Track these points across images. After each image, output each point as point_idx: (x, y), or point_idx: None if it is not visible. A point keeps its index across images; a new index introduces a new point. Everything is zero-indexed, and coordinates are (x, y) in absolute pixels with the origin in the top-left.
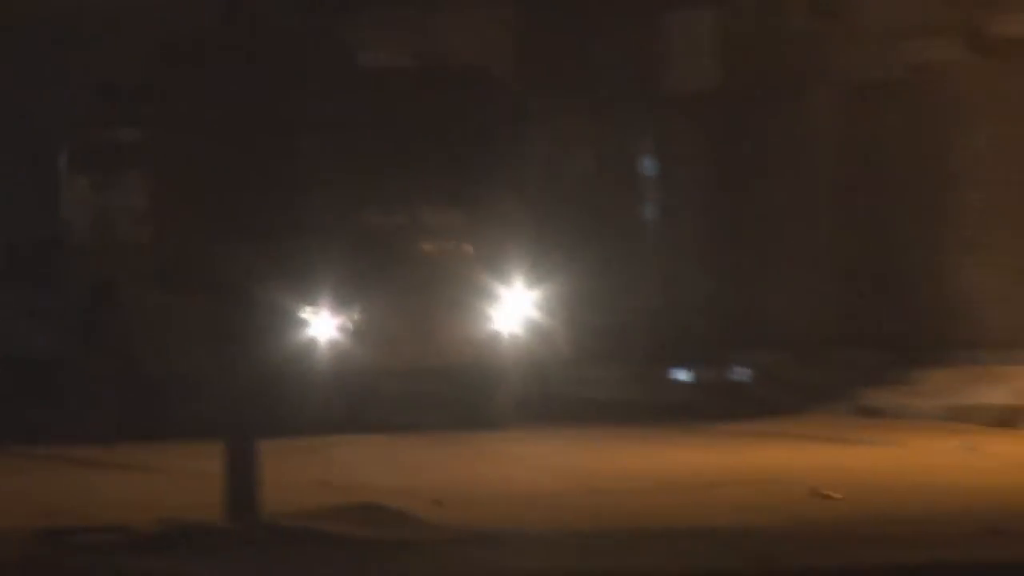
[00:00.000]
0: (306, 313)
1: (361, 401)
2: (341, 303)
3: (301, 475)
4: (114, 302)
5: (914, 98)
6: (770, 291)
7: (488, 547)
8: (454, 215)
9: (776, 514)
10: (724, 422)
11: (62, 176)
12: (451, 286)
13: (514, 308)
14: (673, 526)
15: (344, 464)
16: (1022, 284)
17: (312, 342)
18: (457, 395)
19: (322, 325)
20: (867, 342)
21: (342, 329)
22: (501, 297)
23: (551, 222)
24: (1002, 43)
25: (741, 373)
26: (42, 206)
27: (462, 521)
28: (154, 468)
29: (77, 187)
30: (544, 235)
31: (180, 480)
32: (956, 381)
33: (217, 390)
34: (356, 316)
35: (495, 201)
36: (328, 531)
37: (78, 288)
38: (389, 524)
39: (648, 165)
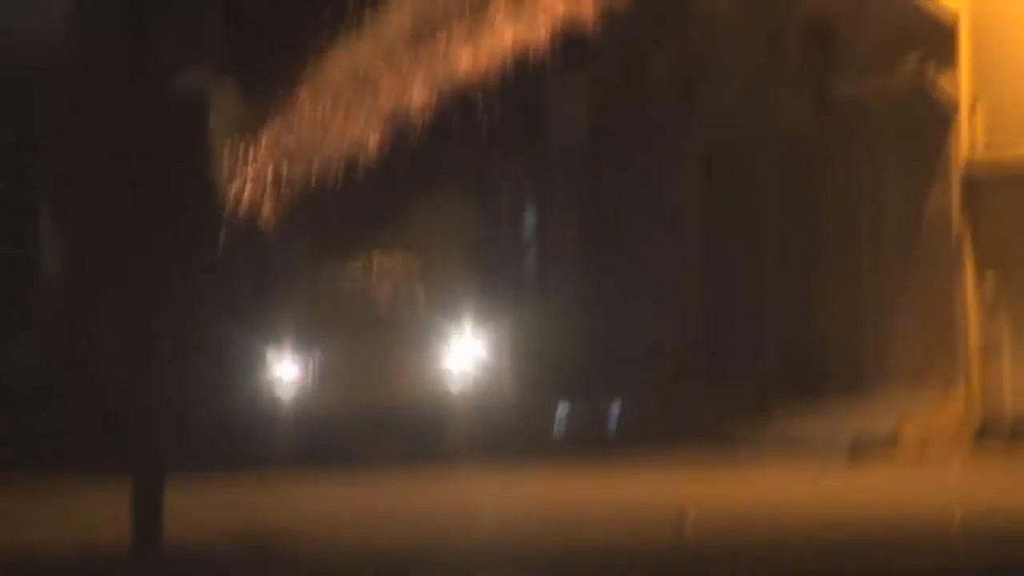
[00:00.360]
0: (269, 353)
1: (320, 436)
2: (302, 344)
3: (220, 506)
4: (83, 334)
5: (770, 151)
6: (644, 330)
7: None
8: (408, 260)
9: (633, 535)
10: (601, 450)
11: (42, 213)
12: (404, 328)
13: (462, 348)
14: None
15: (265, 495)
16: (875, 324)
17: (275, 380)
18: (409, 430)
19: (284, 364)
20: (732, 377)
21: (303, 368)
22: (450, 337)
23: (486, 271)
24: (848, 103)
25: (615, 405)
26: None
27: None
28: (85, 494)
29: (56, 224)
30: (485, 282)
31: (110, 507)
32: (813, 413)
33: (141, 427)
34: (316, 356)
35: (442, 248)
36: (215, 553)
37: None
38: (270, 547)
39: (530, 216)
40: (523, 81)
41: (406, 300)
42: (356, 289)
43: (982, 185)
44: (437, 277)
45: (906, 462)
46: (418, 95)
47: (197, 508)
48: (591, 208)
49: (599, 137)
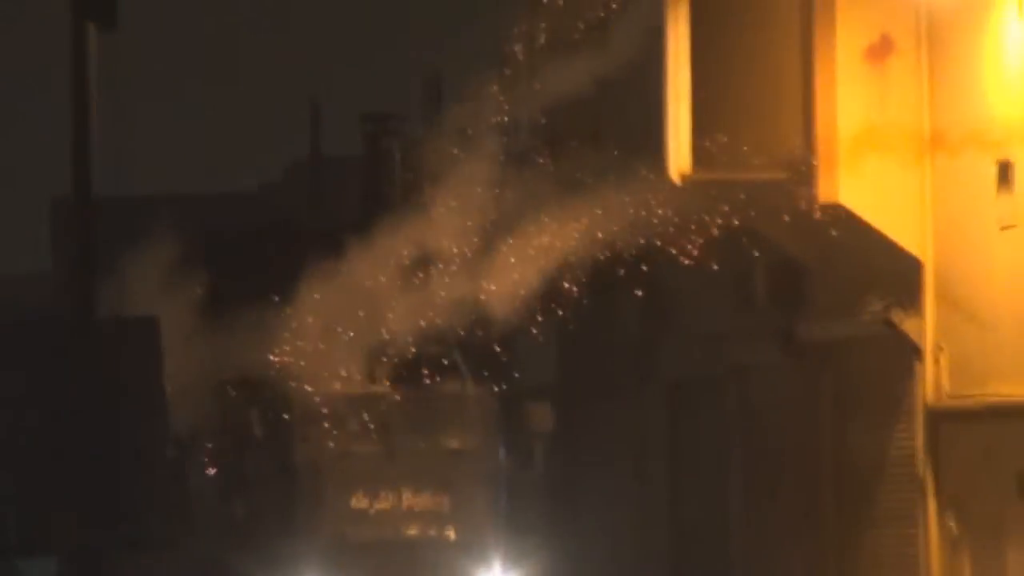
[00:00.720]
0: None
1: None
2: None
3: None
4: None
5: (735, 390)
6: (605, 563)
7: None
8: (437, 499)
9: None
10: None
11: None
12: (433, 569)
13: None
14: None
15: None
16: (838, 562)
17: None
18: None
19: None
20: None
21: None
22: None
23: None
24: (814, 346)
25: None
26: None
27: None
28: None
29: None
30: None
31: None
32: None
33: None
34: None
35: (471, 487)
36: None
37: None
38: None
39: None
40: (499, 323)
41: (436, 537)
42: (384, 526)
43: (946, 427)
44: (466, 516)
45: None
46: (402, 327)
47: None
48: (563, 449)
49: (568, 382)
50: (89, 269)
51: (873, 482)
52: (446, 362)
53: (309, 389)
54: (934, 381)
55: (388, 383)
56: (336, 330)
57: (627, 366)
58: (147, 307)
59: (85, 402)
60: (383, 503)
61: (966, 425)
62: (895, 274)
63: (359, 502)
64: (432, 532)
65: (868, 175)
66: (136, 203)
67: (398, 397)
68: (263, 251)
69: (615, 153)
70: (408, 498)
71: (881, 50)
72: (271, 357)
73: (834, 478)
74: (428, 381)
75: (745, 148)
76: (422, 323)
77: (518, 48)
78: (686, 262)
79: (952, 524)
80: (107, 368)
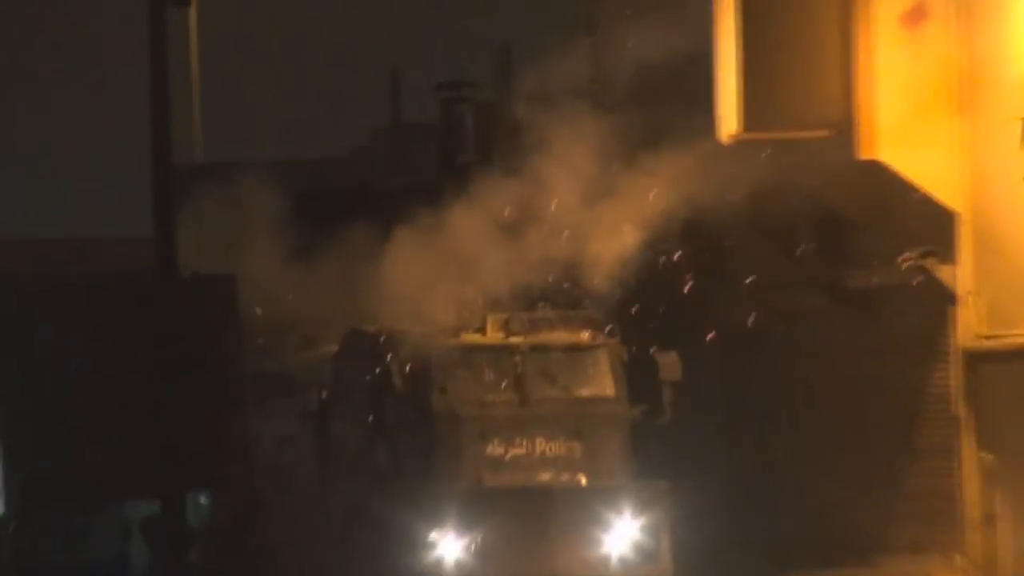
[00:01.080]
0: (433, 535)
1: None
2: (464, 524)
3: None
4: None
5: (784, 340)
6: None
7: None
8: (570, 447)
9: None
10: None
11: None
12: (566, 512)
13: (623, 533)
14: None
15: None
16: (879, 496)
17: (438, 562)
18: None
19: (448, 546)
20: (752, 548)
21: (467, 550)
22: (611, 523)
23: None
24: (857, 294)
25: None
26: None
27: None
28: None
29: None
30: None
31: None
32: None
33: None
34: (480, 538)
35: (604, 433)
36: None
37: None
38: None
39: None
40: (575, 279)
41: (568, 483)
42: (519, 471)
43: (980, 367)
44: (598, 462)
45: None
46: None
47: None
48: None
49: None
50: (169, 229)
51: (914, 419)
52: (571, 313)
53: (446, 341)
54: (969, 324)
55: (520, 334)
56: (459, 283)
57: (684, 316)
58: (256, 265)
59: (166, 355)
60: (518, 450)
61: (1000, 365)
62: (932, 225)
63: (495, 449)
64: (565, 477)
65: (905, 133)
66: (237, 168)
67: (532, 347)
68: (367, 209)
69: (670, 115)
70: (542, 445)
71: (916, 16)
72: (401, 310)
73: (877, 416)
74: (557, 331)
75: (790, 109)
76: (525, 276)
77: (584, 17)
78: (738, 217)
79: (987, 457)
80: (187, 322)
